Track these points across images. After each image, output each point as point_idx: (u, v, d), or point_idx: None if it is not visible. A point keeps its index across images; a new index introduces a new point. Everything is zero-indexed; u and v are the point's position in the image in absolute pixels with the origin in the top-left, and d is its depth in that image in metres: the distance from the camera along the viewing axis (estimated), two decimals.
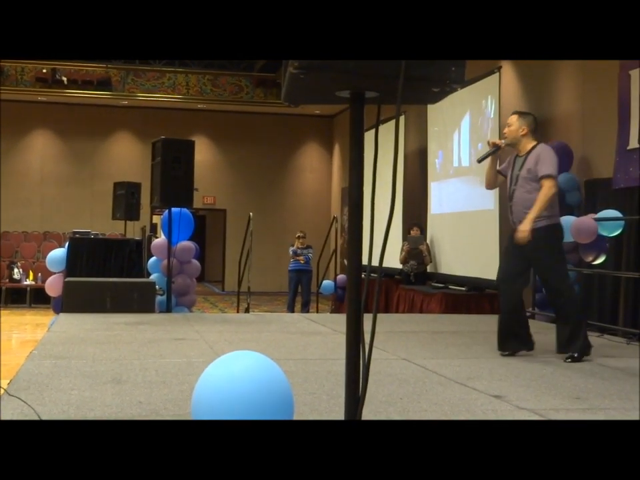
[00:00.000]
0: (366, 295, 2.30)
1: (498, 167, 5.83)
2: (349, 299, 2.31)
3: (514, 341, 5.61)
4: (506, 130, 5.69)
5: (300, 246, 13.41)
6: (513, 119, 5.65)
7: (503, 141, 5.65)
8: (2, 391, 2.58)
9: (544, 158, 5.40)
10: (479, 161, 5.82)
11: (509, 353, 5.58)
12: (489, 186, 5.99)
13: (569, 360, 5.33)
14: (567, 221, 7.83)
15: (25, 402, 2.90)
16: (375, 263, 2.14)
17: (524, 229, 5.27)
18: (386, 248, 2.19)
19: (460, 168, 11.32)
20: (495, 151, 5.67)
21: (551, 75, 9.84)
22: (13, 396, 2.96)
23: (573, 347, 5.38)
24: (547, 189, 5.29)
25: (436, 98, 2.43)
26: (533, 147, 5.52)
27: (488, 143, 5.80)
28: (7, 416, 3.33)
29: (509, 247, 5.63)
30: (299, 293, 13.42)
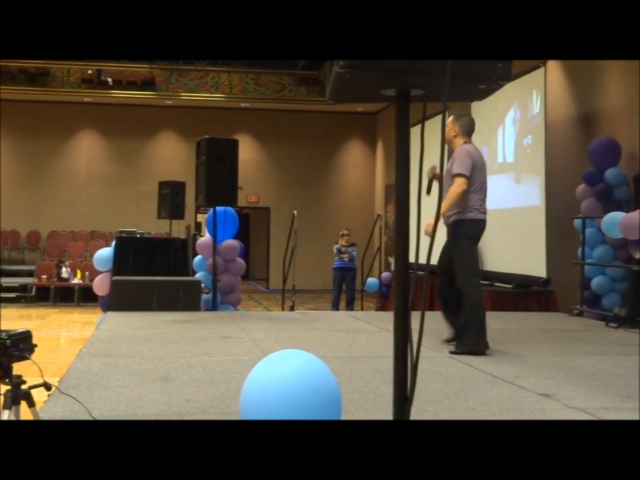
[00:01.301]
0: (413, 292, 2.29)
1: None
2: (397, 296, 2.30)
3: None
4: (447, 130, 5.94)
5: (344, 244, 13.39)
6: (448, 120, 5.94)
7: (435, 170, 5.86)
8: (53, 388, 2.61)
9: (456, 158, 5.79)
10: (428, 193, 6.06)
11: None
12: None
13: (451, 353, 5.52)
14: (616, 217, 7.72)
15: (77, 400, 2.94)
16: (422, 260, 2.13)
17: (429, 222, 5.56)
18: (433, 245, 2.18)
19: (505, 164, 11.21)
20: (432, 180, 5.95)
21: (598, 69, 9.70)
22: (65, 394, 3.00)
23: (461, 344, 5.57)
24: (455, 186, 5.64)
25: (482, 95, 2.41)
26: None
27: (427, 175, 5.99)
28: (58, 413, 3.38)
29: (444, 245, 5.94)
30: (344, 290, 13.41)
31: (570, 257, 9.08)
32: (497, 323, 7.73)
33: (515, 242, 10.49)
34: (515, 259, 10.45)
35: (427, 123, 2.44)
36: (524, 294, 9.85)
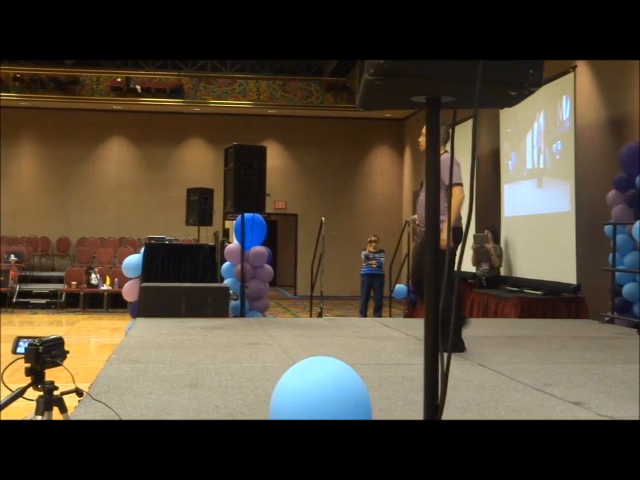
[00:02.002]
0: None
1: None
2: (427, 303, 2.29)
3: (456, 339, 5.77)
4: (420, 139, 6.04)
5: (372, 250, 13.37)
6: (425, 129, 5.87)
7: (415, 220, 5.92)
8: (84, 394, 2.63)
9: (444, 168, 5.63)
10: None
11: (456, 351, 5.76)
12: None
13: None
14: None
15: (108, 406, 2.96)
16: (462, 267, 2.12)
17: (442, 237, 5.51)
18: (464, 252, 2.17)
19: (534, 169, 11.13)
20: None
21: (628, 74, 9.61)
22: (96, 400, 3.02)
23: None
24: (456, 195, 5.62)
25: (513, 101, 2.40)
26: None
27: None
28: (89, 419, 3.40)
29: (418, 248, 5.94)
30: (371, 297, 13.38)
31: (600, 263, 8.99)
32: (526, 329, 7.67)
33: (545, 248, 10.42)
34: (544, 265, 10.38)
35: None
36: (553, 300, 9.77)
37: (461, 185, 5.71)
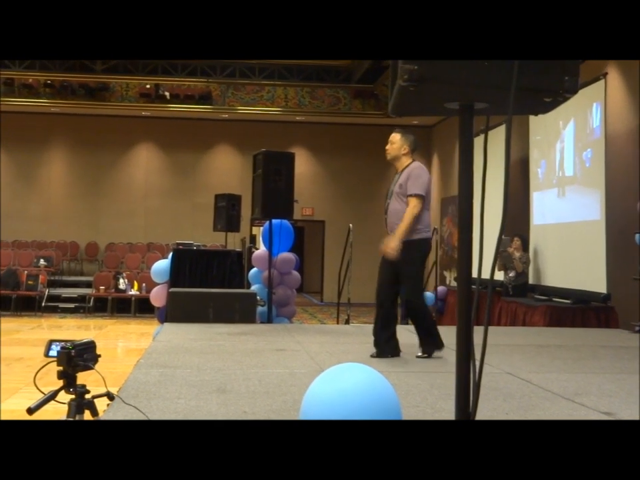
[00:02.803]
0: (475, 307, 2.26)
1: None
2: (459, 312, 2.28)
3: (386, 346, 5.89)
4: (388, 147, 6.10)
5: None
6: (396, 137, 6.10)
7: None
8: (115, 398, 2.65)
9: (414, 177, 5.84)
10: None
11: (382, 356, 5.86)
12: None
13: (419, 356, 5.86)
14: None
15: (139, 409, 2.97)
16: (485, 275, 2.10)
17: (392, 245, 5.71)
18: (496, 260, 2.15)
19: (563, 177, 11.05)
20: None
21: None
22: (127, 404, 3.03)
23: (425, 347, 5.87)
24: (411, 207, 5.73)
25: (547, 108, 2.38)
26: (408, 165, 5.98)
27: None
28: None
29: (383, 258, 5.96)
30: (398, 304, 13.33)
31: (630, 272, 8.90)
32: (555, 338, 7.61)
33: (574, 257, 10.33)
34: (573, 274, 10.29)
35: (481, 136, 2.41)
36: (583, 310, 9.67)
37: (420, 196, 5.75)
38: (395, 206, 5.93)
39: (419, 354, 5.88)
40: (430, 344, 5.87)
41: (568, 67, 2.19)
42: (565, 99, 2.26)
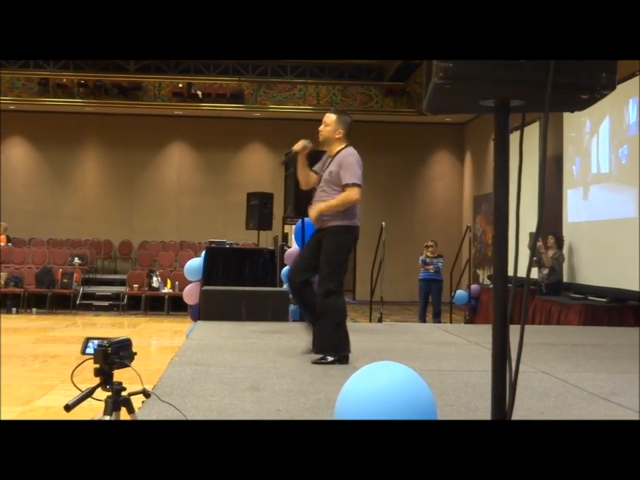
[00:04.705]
0: (511, 306, 2.24)
1: (315, 167, 5.78)
2: (495, 310, 2.26)
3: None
4: (321, 128, 5.61)
5: (429, 255, 13.29)
6: (331, 118, 5.61)
7: (302, 145, 5.60)
8: (151, 395, 2.66)
9: (347, 165, 5.40)
10: (282, 164, 6.19)
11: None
12: (302, 185, 5.93)
13: (316, 362, 5.34)
14: None
15: (174, 407, 2.99)
16: (522, 273, 2.09)
17: (316, 209, 5.39)
18: (533, 258, 2.13)
19: (599, 174, 10.93)
20: (293, 157, 5.75)
21: None
22: (163, 401, 3.05)
23: (323, 349, 5.41)
24: (351, 194, 5.32)
25: (584, 105, 2.35)
26: (340, 150, 5.51)
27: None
28: (153, 419, 3.44)
29: (309, 240, 5.71)
30: (430, 302, 13.29)
31: None
32: (590, 337, 7.53)
33: (610, 254, 10.21)
34: (609, 272, 10.17)
35: (516, 132, 2.39)
36: (619, 308, 9.56)
37: (359, 186, 5.36)
38: (321, 194, 5.51)
39: (314, 362, 5.39)
40: (326, 348, 5.43)
41: (605, 63, 2.16)
42: (602, 96, 2.23)
